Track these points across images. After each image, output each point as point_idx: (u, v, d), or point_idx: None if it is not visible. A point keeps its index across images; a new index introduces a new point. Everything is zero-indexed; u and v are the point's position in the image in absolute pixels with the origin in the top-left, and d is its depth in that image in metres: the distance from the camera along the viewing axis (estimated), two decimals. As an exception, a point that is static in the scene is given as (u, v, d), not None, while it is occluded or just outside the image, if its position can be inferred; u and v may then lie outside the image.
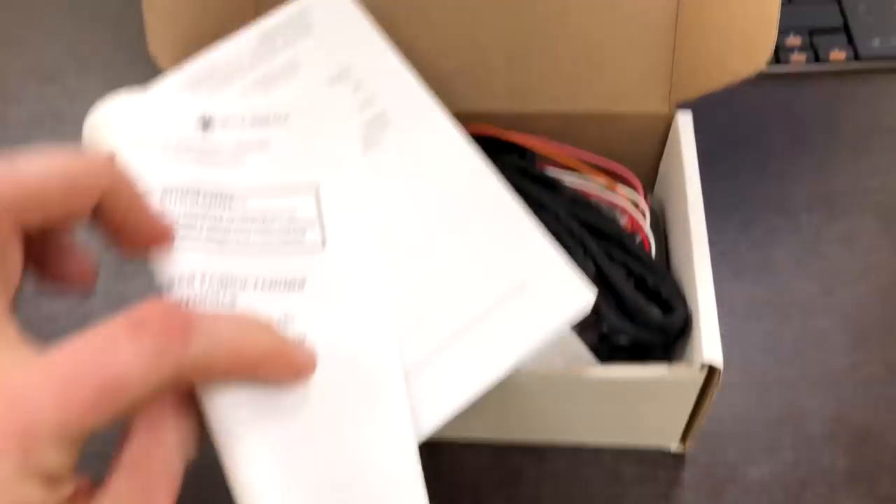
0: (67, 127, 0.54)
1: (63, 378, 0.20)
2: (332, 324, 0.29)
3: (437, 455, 0.39)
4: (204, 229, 0.29)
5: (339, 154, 0.33)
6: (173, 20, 0.37)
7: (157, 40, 0.37)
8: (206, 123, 0.32)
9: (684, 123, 0.40)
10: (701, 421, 0.36)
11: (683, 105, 0.40)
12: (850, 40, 0.54)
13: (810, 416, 0.40)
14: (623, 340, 0.36)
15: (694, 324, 0.34)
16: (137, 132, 0.31)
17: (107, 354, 0.20)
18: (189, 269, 0.28)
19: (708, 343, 0.32)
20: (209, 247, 0.29)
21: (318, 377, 0.27)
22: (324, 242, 0.31)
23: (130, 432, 0.23)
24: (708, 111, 0.40)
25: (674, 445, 0.39)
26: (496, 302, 0.30)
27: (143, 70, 0.55)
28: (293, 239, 0.31)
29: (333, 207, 0.32)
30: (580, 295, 0.31)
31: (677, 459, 0.39)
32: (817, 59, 0.54)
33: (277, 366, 0.25)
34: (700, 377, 0.33)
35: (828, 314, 0.43)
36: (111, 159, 0.26)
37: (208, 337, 0.22)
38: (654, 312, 0.35)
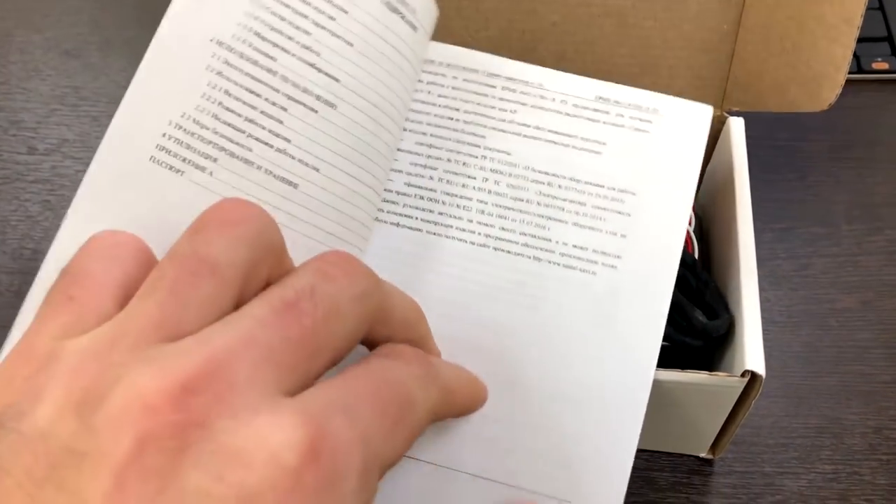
0: (89, 104, 0.54)
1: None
2: None
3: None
4: None
5: None
6: None
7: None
8: None
9: (737, 129, 0.39)
10: (734, 430, 0.35)
11: (734, 113, 0.40)
12: (894, 51, 0.53)
13: (850, 429, 0.39)
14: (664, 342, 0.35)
15: (736, 331, 0.34)
16: None
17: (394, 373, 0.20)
18: None
19: (751, 351, 0.32)
20: None
21: None
22: None
23: None
24: (747, 117, 0.40)
25: (704, 453, 0.38)
26: None
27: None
28: None
29: None
30: None
31: (713, 468, 0.38)
32: (860, 67, 0.53)
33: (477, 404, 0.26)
34: (740, 385, 0.32)
35: (868, 327, 0.42)
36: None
37: (444, 377, 0.23)
38: (698, 316, 0.34)
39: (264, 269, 0.20)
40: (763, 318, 0.42)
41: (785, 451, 0.38)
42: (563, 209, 0.30)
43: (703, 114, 0.32)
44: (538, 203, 0.30)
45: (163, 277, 0.19)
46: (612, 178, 0.31)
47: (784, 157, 0.50)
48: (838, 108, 0.52)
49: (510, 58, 0.40)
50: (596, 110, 0.33)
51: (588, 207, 0.30)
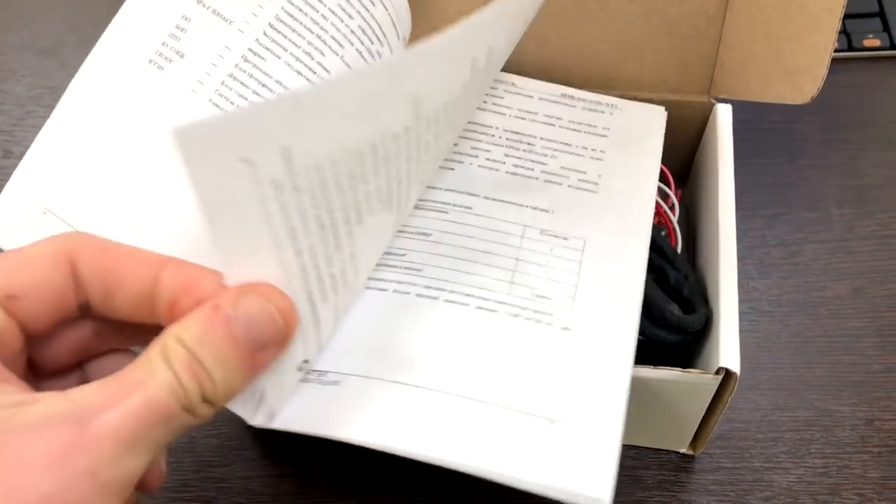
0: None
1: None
2: None
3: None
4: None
5: None
6: None
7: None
8: None
9: (723, 116, 0.38)
10: (713, 426, 0.34)
11: (721, 100, 0.39)
12: (886, 27, 0.52)
13: (841, 421, 0.38)
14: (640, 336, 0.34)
15: (714, 326, 0.33)
16: None
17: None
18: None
19: (726, 348, 0.31)
20: None
21: None
22: None
23: None
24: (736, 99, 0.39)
25: (684, 449, 0.38)
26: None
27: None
28: None
29: None
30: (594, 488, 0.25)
31: (700, 464, 0.37)
32: (850, 45, 0.52)
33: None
34: (715, 382, 0.31)
35: (859, 315, 0.41)
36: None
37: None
38: (673, 311, 0.33)
39: None
40: (751, 307, 0.42)
41: (774, 446, 0.37)
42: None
43: (658, 114, 0.38)
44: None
45: None
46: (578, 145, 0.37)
47: (774, 140, 0.48)
48: (830, 88, 0.50)
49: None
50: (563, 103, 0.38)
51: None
